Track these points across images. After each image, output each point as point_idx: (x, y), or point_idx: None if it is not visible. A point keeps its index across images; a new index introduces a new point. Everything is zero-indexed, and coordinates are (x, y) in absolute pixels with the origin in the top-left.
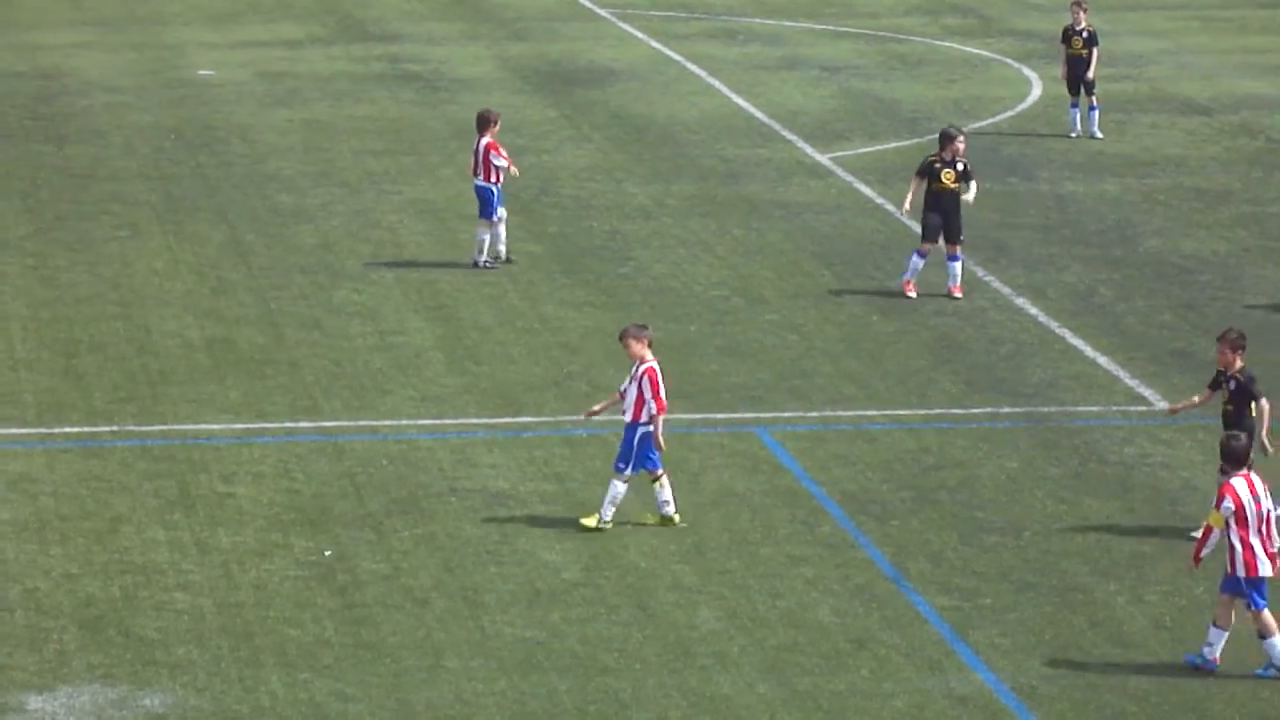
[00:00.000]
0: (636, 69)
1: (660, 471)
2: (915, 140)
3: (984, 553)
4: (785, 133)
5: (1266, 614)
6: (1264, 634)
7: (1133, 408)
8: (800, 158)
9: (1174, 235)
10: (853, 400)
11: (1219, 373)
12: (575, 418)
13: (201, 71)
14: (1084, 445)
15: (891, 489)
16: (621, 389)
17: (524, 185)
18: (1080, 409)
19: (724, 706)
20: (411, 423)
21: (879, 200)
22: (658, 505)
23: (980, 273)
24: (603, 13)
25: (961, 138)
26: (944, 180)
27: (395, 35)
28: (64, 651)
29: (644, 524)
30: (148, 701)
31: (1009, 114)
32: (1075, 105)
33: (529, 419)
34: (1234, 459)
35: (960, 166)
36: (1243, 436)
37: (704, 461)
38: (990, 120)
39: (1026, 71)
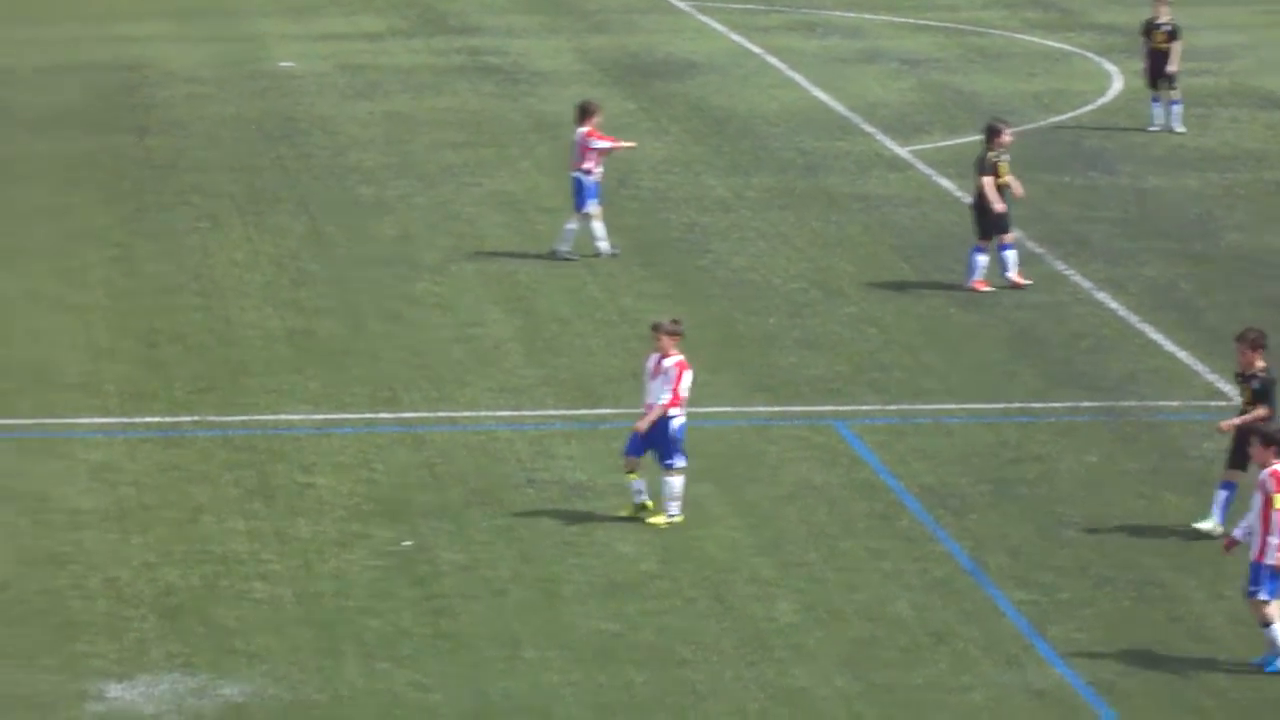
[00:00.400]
0: (716, 62)
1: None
2: None
3: (1062, 547)
4: (864, 125)
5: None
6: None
7: (1212, 403)
8: (879, 150)
9: (1255, 230)
10: (931, 393)
11: (1238, 374)
12: None
13: (283, 63)
14: (1163, 440)
15: (970, 482)
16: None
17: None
18: (1160, 403)
19: (801, 699)
20: (490, 414)
21: (958, 193)
22: (634, 495)
23: (1061, 266)
24: (682, 5)
25: (1009, 130)
26: (1001, 173)
27: (475, 28)
28: (144, 640)
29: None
30: (227, 690)
31: (1089, 108)
32: (1156, 99)
33: (607, 410)
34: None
35: (1007, 159)
36: None
37: (782, 454)
38: (1071, 114)
39: (1107, 65)
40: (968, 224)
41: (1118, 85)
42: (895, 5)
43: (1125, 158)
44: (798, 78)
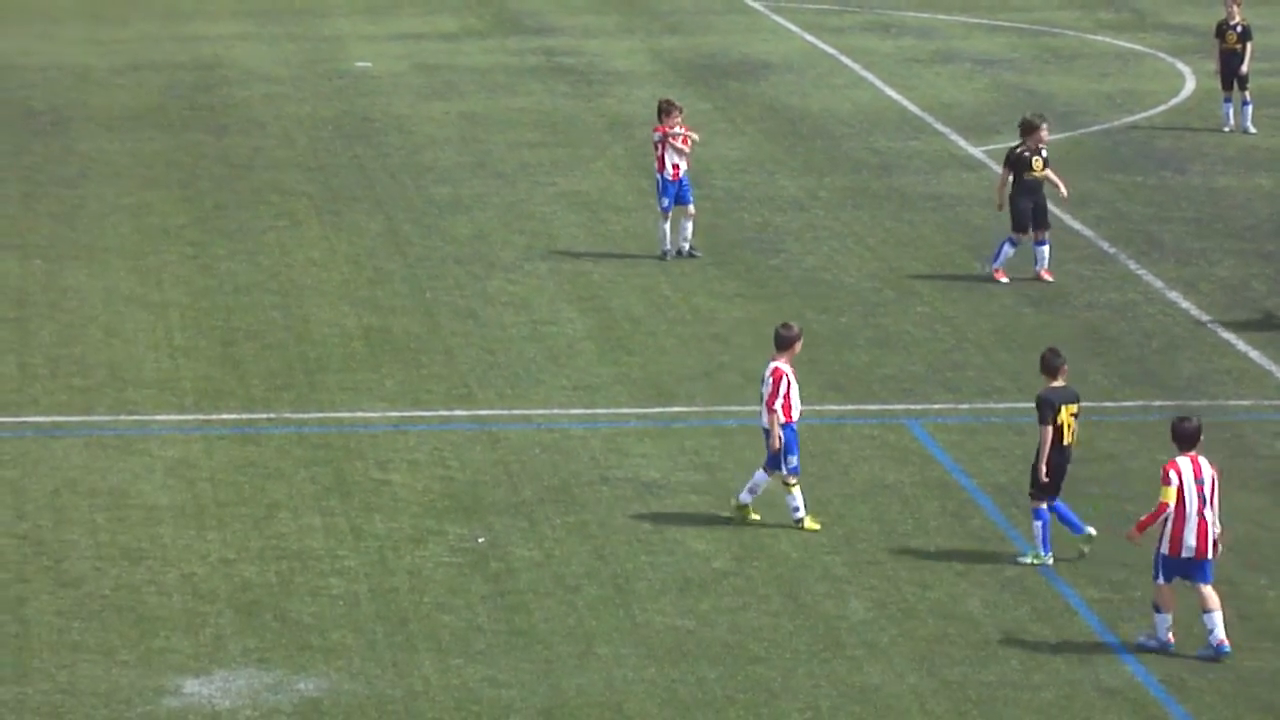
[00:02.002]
0: (790, 62)
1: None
2: (1069, 134)
3: (1134, 546)
4: (938, 125)
5: (1206, 589)
6: (1204, 609)
7: None
8: (953, 150)
9: None
10: (1004, 392)
11: None
12: (726, 408)
13: (359, 63)
14: (1235, 439)
15: None
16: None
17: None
18: (1231, 403)
19: (874, 696)
20: (564, 412)
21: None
22: (751, 495)
23: (1132, 266)
24: (756, 6)
25: (1046, 126)
26: (1034, 168)
27: (550, 28)
28: (220, 635)
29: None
30: (302, 686)
31: (1162, 108)
32: (1228, 100)
33: (680, 409)
34: (1183, 439)
35: (1045, 154)
36: (1192, 418)
37: (854, 453)
38: (1143, 114)
39: (1180, 66)
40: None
41: (1190, 86)
42: (969, 6)
43: (1197, 158)
44: (871, 78)
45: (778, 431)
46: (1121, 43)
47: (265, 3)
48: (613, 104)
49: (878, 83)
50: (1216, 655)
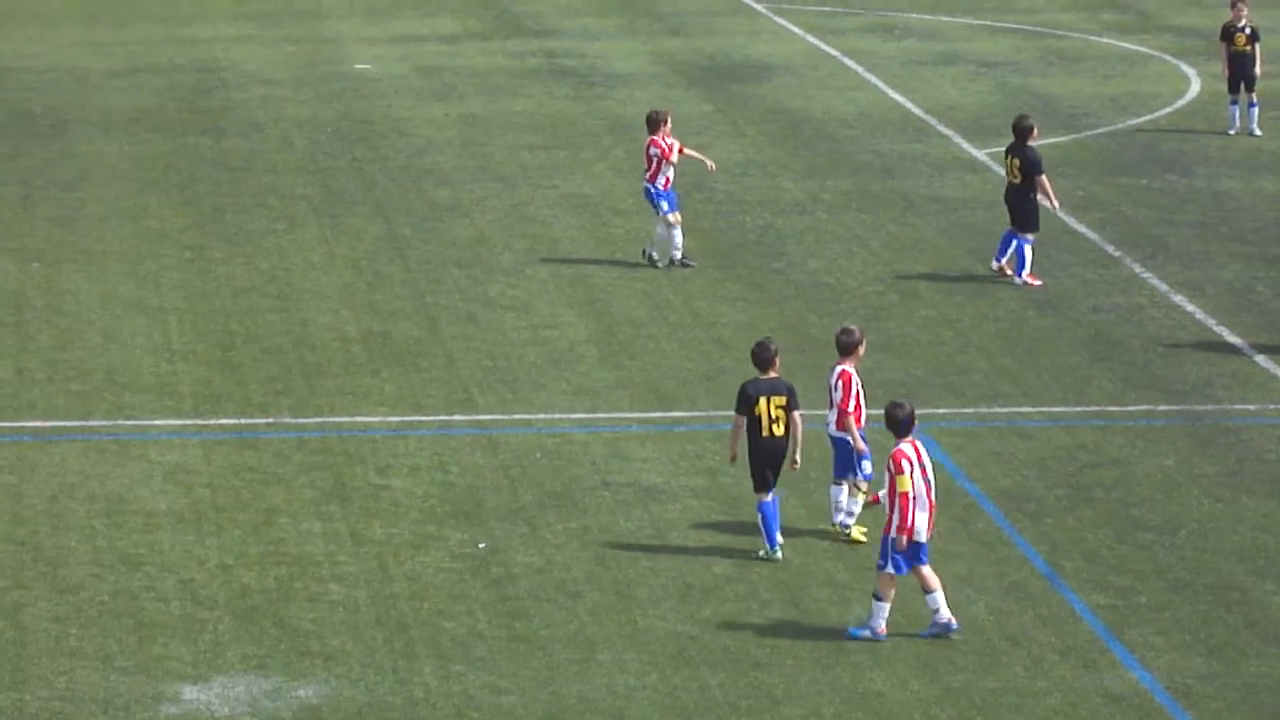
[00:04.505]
0: (792, 64)
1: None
2: (1073, 136)
3: (1139, 551)
4: (941, 128)
5: (926, 570)
6: (926, 589)
7: None
8: (956, 153)
9: None
10: (1008, 397)
11: None
12: (727, 413)
13: (359, 65)
14: (1241, 443)
15: (1047, 486)
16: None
17: (678, 181)
18: (1237, 407)
19: (877, 703)
20: (565, 416)
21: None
22: (840, 512)
23: (1137, 269)
24: (758, 8)
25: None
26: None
27: (551, 30)
28: (219, 642)
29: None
30: (302, 693)
31: (1167, 110)
32: (1234, 102)
33: (681, 413)
34: (900, 426)
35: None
36: (905, 404)
37: None
38: (1148, 117)
39: (1184, 68)
40: (1044, 227)
41: (1195, 88)
42: (972, 8)
43: (1202, 160)
44: (874, 80)
45: (857, 434)
46: (1126, 45)
47: (264, 5)
48: (614, 106)
49: (880, 85)
50: (946, 632)
